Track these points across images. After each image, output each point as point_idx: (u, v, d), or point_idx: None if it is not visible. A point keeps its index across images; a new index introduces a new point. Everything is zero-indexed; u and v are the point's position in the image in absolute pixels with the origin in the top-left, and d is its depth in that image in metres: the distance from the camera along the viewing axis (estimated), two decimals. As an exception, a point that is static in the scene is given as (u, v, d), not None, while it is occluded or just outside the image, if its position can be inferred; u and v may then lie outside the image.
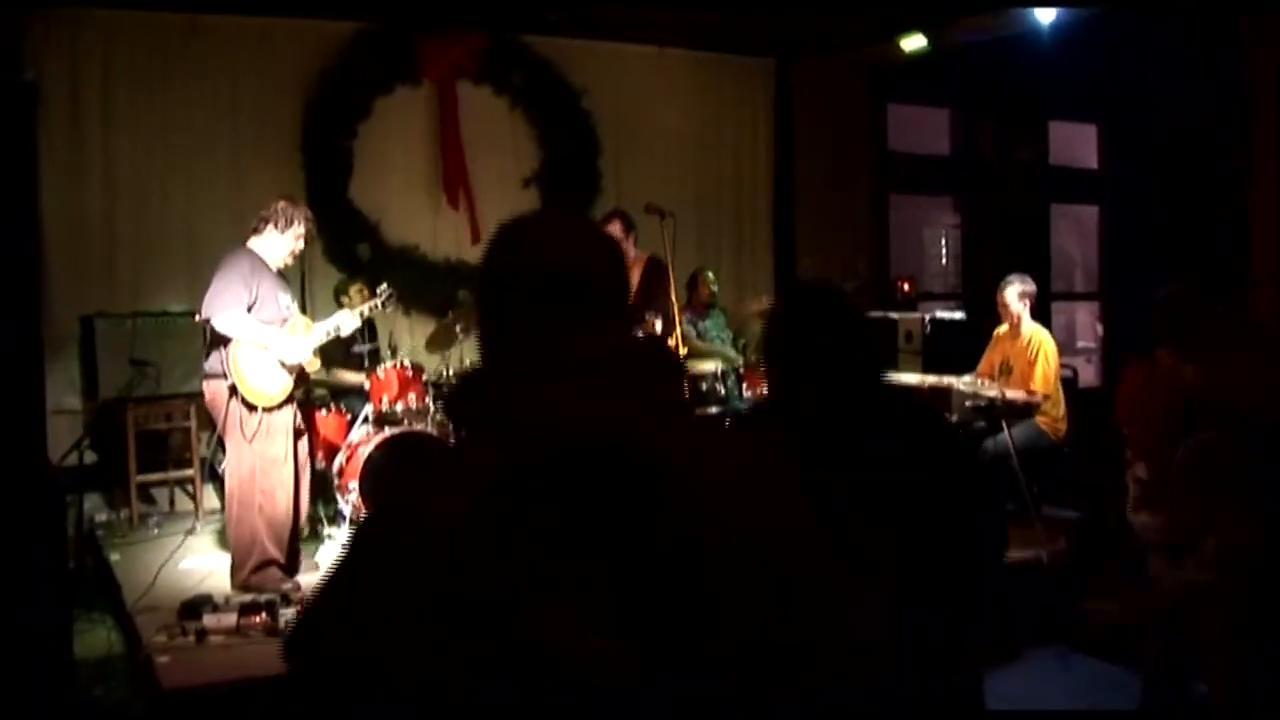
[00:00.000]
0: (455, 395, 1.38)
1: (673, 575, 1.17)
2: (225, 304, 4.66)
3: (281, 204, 4.90)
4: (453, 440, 5.85)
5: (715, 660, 1.17)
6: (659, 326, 5.84)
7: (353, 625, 1.24)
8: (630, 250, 6.06)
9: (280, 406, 4.83)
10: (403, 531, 1.25)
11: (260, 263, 4.83)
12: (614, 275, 1.39)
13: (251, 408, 4.73)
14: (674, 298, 5.84)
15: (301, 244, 4.96)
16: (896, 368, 6.97)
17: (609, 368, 1.29)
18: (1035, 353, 5.88)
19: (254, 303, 4.74)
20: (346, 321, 5.18)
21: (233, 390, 4.70)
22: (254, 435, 4.72)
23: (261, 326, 4.75)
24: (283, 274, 5.02)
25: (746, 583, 1.20)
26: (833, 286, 2.38)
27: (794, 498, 1.35)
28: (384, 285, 5.64)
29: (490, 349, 1.37)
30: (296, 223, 4.87)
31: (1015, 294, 5.97)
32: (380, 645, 1.20)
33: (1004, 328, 6.12)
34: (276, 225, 4.84)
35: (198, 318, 4.84)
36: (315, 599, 1.32)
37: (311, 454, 5.56)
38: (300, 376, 4.97)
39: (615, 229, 6.00)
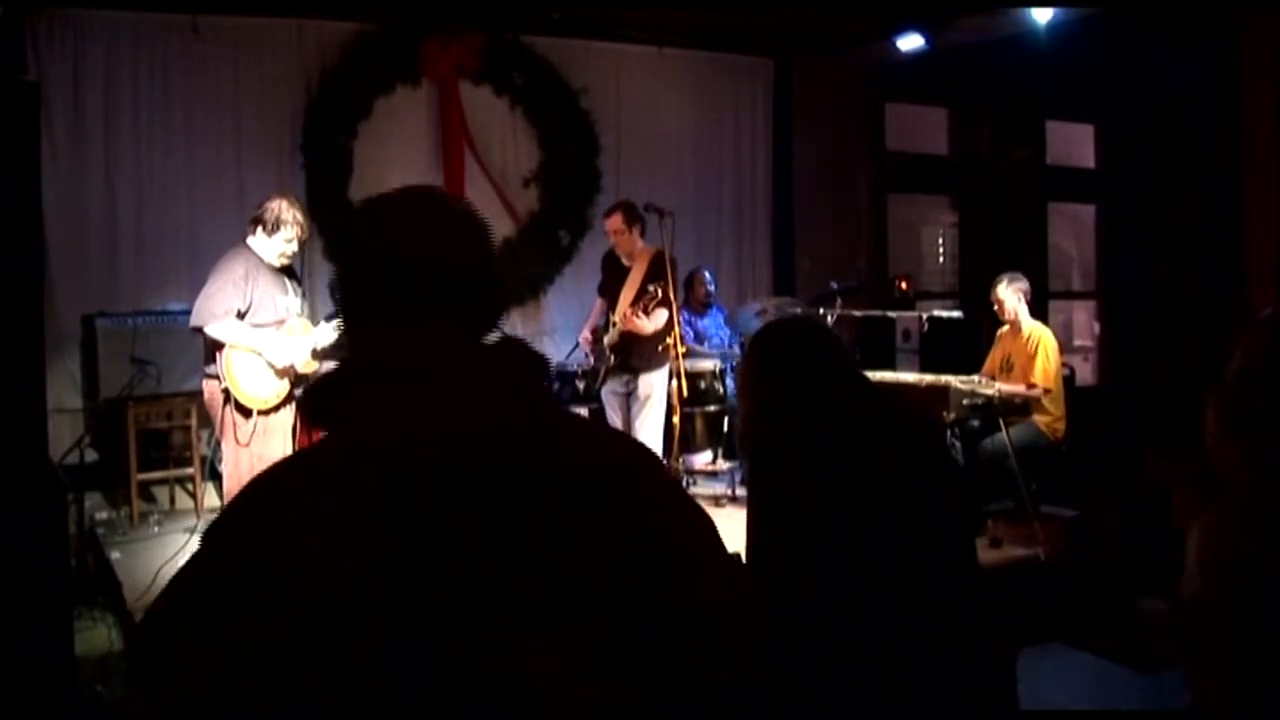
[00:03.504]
0: (315, 394, 1.25)
1: (623, 585, 1.12)
2: (214, 311, 4.65)
3: (272, 205, 4.81)
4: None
5: (673, 665, 1.13)
6: (663, 316, 5.82)
7: (209, 665, 1.08)
8: (637, 243, 6.03)
9: (277, 408, 4.83)
10: (272, 557, 1.11)
11: (257, 263, 4.80)
12: (478, 262, 1.27)
13: (246, 412, 4.73)
14: (673, 296, 5.85)
15: (293, 247, 4.88)
16: (894, 367, 7.01)
17: (475, 365, 1.22)
18: (1035, 347, 5.90)
19: (248, 307, 4.72)
20: (324, 335, 5.06)
21: (227, 394, 4.72)
22: (249, 438, 4.72)
23: (252, 331, 4.72)
24: (293, 272, 5.03)
25: (696, 585, 1.17)
26: (801, 315, 2.45)
27: (681, 490, 1.31)
28: None
29: (353, 342, 1.27)
30: (284, 227, 4.78)
31: (1008, 290, 5.98)
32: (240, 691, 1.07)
33: (1005, 326, 6.14)
34: (265, 228, 4.79)
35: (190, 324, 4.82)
36: (162, 620, 1.16)
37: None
38: (298, 377, 4.94)
39: (617, 221, 5.99)
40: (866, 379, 2.27)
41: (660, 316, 5.81)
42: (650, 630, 1.12)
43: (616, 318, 5.96)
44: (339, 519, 1.10)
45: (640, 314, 5.78)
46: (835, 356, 2.26)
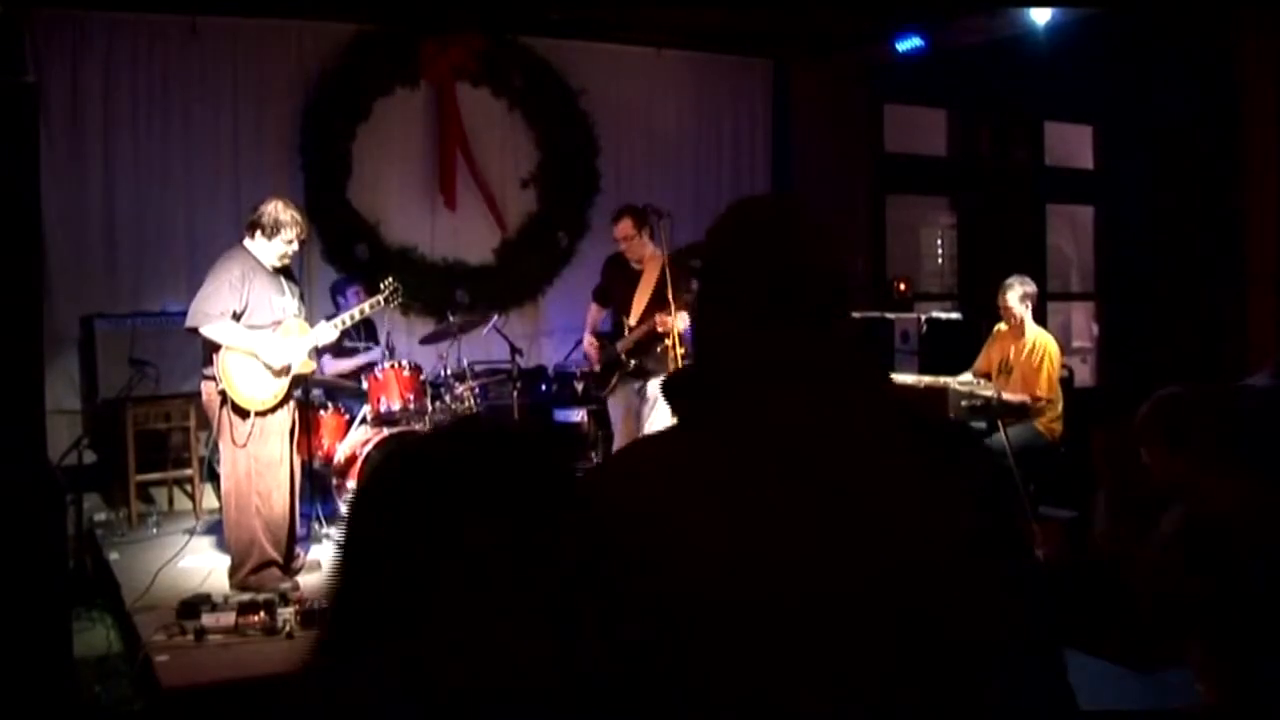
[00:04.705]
0: (683, 388, 1.30)
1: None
2: (208, 312, 4.66)
3: (268, 209, 4.81)
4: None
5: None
6: (683, 322, 5.74)
7: None
8: (647, 246, 5.94)
9: (274, 409, 4.82)
10: None
11: (254, 265, 4.80)
12: (843, 274, 1.35)
13: (243, 413, 4.73)
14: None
15: (294, 247, 4.89)
16: (893, 368, 6.99)
17: (830, 372, 1.25)
18: (1040, 358, 5.87)
19: (244, 309, 4.72)
20: (324, 334, 5.09)
21: (224, 395, 4.72)
22: (246, 439, 4.73)
23: (247, 333, 4.72)
24: (291, 273, 5.03)
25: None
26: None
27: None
28: (389, 279, 5.62)
29: (723, 341, 1.31)
30: (284, 229, 4.79)
31: (1017, 297, 5.93)
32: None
33: (1004, 325, 6.11)
34: (264, 231, 4.79)
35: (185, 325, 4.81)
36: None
37: (309, 452, 5.57)
38: (295, 378, 4.94)
39: (627, 227, 5.89)
40: None
41: (684, 317, 5.72)
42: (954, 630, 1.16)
43: (633, 322, 5.90)
44: (691, 502, 1.15)
45: (678, 316, 5.67)
46: None
